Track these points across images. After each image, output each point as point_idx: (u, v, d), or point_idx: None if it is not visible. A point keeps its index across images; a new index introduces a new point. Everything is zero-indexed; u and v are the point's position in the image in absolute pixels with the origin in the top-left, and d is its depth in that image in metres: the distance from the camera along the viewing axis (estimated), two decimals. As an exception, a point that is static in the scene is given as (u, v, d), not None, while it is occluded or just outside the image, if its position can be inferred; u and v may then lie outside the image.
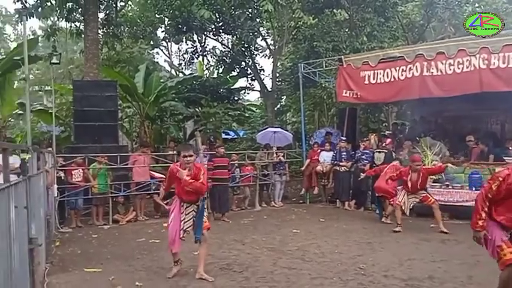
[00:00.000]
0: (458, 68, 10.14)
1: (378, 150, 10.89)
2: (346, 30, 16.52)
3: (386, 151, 10.59)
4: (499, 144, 11.05)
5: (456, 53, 10.16)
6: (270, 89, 19.53)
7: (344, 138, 12.29)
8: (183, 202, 5.56)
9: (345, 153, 11.67)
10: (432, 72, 10.50)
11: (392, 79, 11.26)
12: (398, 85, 11.17)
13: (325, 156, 12.20)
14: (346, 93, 12.17)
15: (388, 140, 11.24)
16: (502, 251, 3.61)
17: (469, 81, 10.00)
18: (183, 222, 5.52)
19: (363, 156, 11.23)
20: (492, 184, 3.67)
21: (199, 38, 20.48)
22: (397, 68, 11.15)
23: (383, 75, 11.42)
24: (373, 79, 11.59)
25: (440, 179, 10.07)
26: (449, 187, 9.79)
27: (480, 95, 10.60)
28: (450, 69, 10.26)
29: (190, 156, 5.44)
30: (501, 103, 11.77)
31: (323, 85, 15.90)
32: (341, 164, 11.59)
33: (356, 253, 6.72)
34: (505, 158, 9.92)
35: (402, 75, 11.07)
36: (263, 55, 22.33)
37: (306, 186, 12.79)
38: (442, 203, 9.62)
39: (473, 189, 9.43)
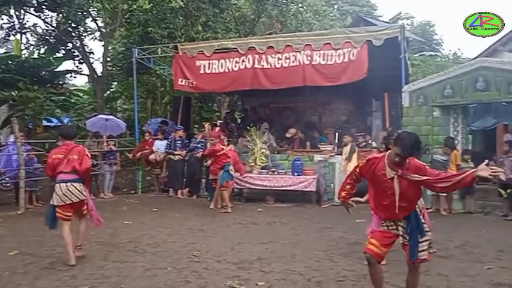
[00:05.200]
0: (286, 63, 10.89)
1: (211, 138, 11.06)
2: (182, 18, 16.38)
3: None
4: (320, 133, 12.27)
5: (284, 48, 10.88)
6: (100, 74, 18.30)
7: (181, 127, 12.22)
8: None
9: (179, 142, 11.61)
10: (263, 65, 11.07)
11: (226, 70, 11.52)
12: (232, 76, 11.49)
13: (159, 145, 11.96)
14: (182, 81, 12.07)
15: (217, 129, 11.54)
16: (369, 239, 3.98)
17: (294, 75, 10.82)
18: None
19: (199, 145, 11.33)
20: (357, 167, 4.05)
21: (17, 13, 18.11)
22: (231, 60, 11.46)
23: (217, 66, 11.60)
24: (208, 69, 11.70)
25: (267, 166, 10.73)
26: (275, 173, 10.48)
27: (303, 88, 11.62)
28: (278, 63, 10.95)
29: None
30: (320, 97, 13.14)
31: (157, 72, 15.52)
32: (176, 152, 11.50)
33: (189, 241, 6.70)
34: (319, 145, 11.10)
35: (236, 66, 11.41)
36: (93, 37, 20.75)
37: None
38: (269, 188, 10.33)
39: (296, 174, 10.28)
